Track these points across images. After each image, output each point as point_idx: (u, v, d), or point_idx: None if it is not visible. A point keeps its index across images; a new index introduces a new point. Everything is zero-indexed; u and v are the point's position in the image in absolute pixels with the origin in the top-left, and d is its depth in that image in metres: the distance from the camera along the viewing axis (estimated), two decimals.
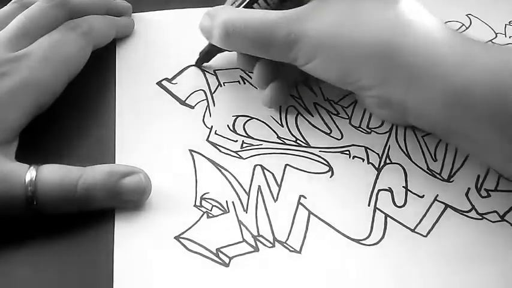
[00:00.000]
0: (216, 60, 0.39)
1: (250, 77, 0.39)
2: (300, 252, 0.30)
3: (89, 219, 0.31)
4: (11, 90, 0.32)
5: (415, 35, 0.31)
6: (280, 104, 0.37)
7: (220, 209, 0.32)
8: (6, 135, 0.31)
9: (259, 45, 0.33)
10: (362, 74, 0.32)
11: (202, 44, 0.40)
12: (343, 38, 0.31)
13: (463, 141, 0.33)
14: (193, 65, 0.39)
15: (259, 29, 0.33)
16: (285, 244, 0.31)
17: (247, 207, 0.32)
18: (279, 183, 0.33)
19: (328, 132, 0.36)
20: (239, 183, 0.33)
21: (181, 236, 0.31)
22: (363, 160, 0.34)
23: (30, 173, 0.30)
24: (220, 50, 0.38)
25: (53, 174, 0.30)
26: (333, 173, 0.34)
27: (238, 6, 0.35)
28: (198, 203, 0.32)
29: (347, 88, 0.34)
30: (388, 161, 0.34)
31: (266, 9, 0.34)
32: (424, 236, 0.31)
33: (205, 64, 0.39)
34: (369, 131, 0.36)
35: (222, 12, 0.35)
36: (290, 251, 0.30)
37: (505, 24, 0.43)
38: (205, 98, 0.37)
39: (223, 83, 0.38)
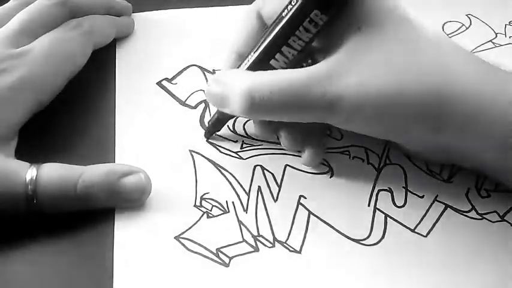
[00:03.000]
0: (216, 60, 0.39)
1: None
2: (300, 252, 0.30)
3: (89, 219, 0.31)
4: (11, 86, 0.32)
5: (463, 81, 0.29)
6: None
7: (220, 209, 0.32)
8: (5, 132, 0.32)
9: (290, 112, 0.30)
10: (410, 127, 0.30)
11: (203, 44, 0.41)
12: (388, 93, 0.28)
13: (506, 176, 0.32)
14: (193, 65, 0.39)
15: (289, 93, 0.29)
16: (285, 244, 0.31)
17: (247, 208, 0.32)
18: (279, 183, 0.33)
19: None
20: (239, 183, 0.33)
21: (181, 236, 0.31)
22: (363, 160, 0.34)
23: (31, 172, 0.30)
24: (232, 116, 0.34)
25: (53, 173, 0.30)
26: (332, 174, 0.34)
27: (251, 64, 0.31)
28: (198, 203, 0.32)
29: (391, 139, 0.33)
30: (387, 162, 0.34)
31: (285, 64, 0.31)
32: (424, 236, 0.31)
33: (204, 65, 0.39)
34: None
35: (240, 77, 0.31)
36: (290, 251, 0.30)
37: (505, 24, 0.43)
38: (205, 98, 0.37)
39: None
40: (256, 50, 0.31)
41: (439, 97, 0.28)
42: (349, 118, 0.29)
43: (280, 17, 0.30)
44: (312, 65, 0.30)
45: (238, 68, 0.32)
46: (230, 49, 0.35)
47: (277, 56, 0.31)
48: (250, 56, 0.32)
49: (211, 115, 0.35)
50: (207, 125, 0.35)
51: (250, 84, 0.30)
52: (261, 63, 0.31)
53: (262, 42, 0.31)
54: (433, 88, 0.28)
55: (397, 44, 0.29)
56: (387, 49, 0.29)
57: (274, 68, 0.31)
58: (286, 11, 0.30)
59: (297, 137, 0.33)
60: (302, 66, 0.30)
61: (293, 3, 0.30)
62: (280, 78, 0.30)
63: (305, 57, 0.33)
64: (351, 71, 0.29)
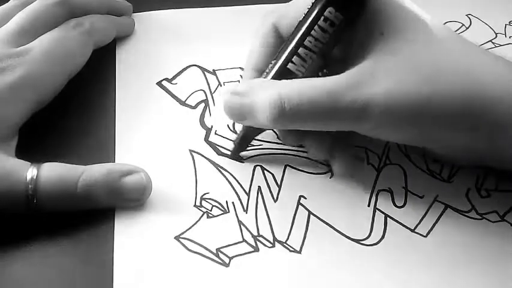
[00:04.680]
0: (216, 60, 0.39)
1: None
2: (300, 252, 0.30)
3: (89, 219, 0.31)
4: (11, 85, 0.32)
5: (493, 81, 0.28)
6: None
7: (220, 209, 0.32)
8: (6, 131, 0.32)
9: (319, 120, 0.29)
10: (443, 132, 0.29)
11: (203, 44, 0.41)
12: (418, 98, 0.28)
13: None
14: (193, 65, 0.39)
15: (318, 101, 0.28)
16: (285, 244, 0.31)
17: (247, 208, 0.32)
18: (278, 183, 0.33)
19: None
20: (239, 183, 0.33)
21: (181, 236, 0.31)
22: (363, 161, 0.34)
23: (31, 171, 0.30)
24: (259, 131, 0.33)
25: (53, 172, 0.30)
26: (332, 174, 0.34)
27: (271, 73, 0.31)
28: (198, 203, 0.32)
29: (422, 145, 0.32)
30: (387, 162, 0.34)
31: (304, 69, 0.30)
32: (424, 236, 0.31)
33: (204, 65, 0.39)
34: None
35: (265, 86, 0.30)
36: (290, 251, 0.30)
37: (505, 24, 0.43)
38: (205, 98, 0.37)
39: (223, 82, 0.38)
40: (275, 58, 0.31)
41: (471, 99, 0.28)
42: (378, 125, 0.29)
43: (298, 23, 0.30)
44: (328, 75, 0.30)
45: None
46: (248, 66, 0.34)
47: (295, 59, 0.30)
48: (270, 66, 0.31)
49: (237, 135, 0.34)
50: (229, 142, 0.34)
51: (279, 93, 0.29)
52: (281, 70, 0.30)
53: (281, 50, 0.31)
54: (464, 90, 0.28)
55: (422, 47, 0.29)
56: (413, 53, 0.28)
57: (294, 75, 0.30)
58: (303, 15, 0.30)
59: (324, 146, 0.32)
60: (318, 76, 0.30)
61: (308, 7, 0.30)
62: (309, 85, 0.29)
63: (321, 67, 0.32)
64: (378, 78, 0.28)
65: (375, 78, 0.28)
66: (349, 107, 0.28)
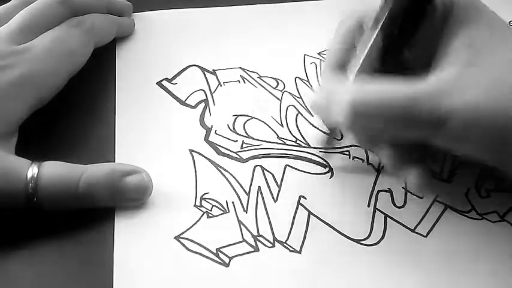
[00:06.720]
0: (216, 60, 0.39)
1: (251, 76, 0.39)
2: (300, 252, 0.30)
3: (89, 219, 0.31)
4: (12, 82, 0.32)
5: None
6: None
7: (220, 209, 0.32)
8: (6, 128, 0.32)
9: (395, 126, 0.28)
10: None
11: (203, 44, 0.40)
12: (501, 115, 0.26)
13: None
14: (193, 65, 0.39)
15: (396, 107, 0.27)
16: (285, 244, 0.31)
17: (247, 208, 0.32)
18: (278, 183, 0.33)
19: (329, 132, 0.36)
20: (239, 183, 0.33)
21: (181, 236, 0.31)
22: (363, 161, 0.34)
23: (32, 169, 0.30)
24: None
25: (54, 171, 0.30)
26: (332, 174, 0.34)
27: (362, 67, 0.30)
28: (198, 203, 0.32)
29: (501, 167, 0.30)
30: None
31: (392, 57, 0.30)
32: (424, 236, 0.31)
33: (204, 65, 0.39)
34: None
35: (346, 88, 0.29)
36: (290, 251, 0.30)
37: None
38: (205, 97, 0.37)
39: (223, 82, 0.38)
40: (358, 51, 0.30)
41: None
42: (456, 138, 0.28)
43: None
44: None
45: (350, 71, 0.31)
46: (328, 64, 0.33)
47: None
48: (353, 60, 0.31)
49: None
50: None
51: (356, 96, 0.28)
52: (365, 62, 0.30)
53: (363, 42, 0.30)
54: None
55: (510, 65, 0.27)
56: (502, 68, 0.27)
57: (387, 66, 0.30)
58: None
59: (405, 157, 0.31)
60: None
61: None
62: (388, 90, 0.28)
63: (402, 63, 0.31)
64: (461, 90, 0.27)
65: (458, 90, 0.27)
66: (427, 116, 0.27)
